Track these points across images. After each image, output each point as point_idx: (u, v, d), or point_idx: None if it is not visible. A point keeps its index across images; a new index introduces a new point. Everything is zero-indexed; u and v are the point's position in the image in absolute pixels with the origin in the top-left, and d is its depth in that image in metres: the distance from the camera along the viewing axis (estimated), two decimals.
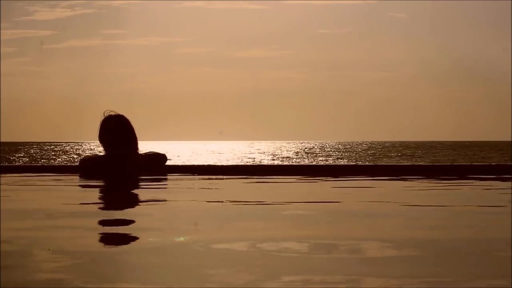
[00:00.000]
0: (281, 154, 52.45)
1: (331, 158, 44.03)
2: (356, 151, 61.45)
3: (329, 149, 72.84)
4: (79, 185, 5.78)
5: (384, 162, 38.13)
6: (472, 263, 2.17)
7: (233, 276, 1.95)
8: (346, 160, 41.41)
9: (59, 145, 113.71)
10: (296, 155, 51.54)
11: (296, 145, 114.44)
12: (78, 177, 6.26)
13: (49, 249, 2.39)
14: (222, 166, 7.04)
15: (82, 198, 4.74)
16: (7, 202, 4.24)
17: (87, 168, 6.38)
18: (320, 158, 44.49)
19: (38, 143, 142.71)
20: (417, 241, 2.60)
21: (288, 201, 4.28)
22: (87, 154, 6.37)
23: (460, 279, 1.94)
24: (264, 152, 60.21)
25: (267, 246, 2.47)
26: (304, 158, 44.80)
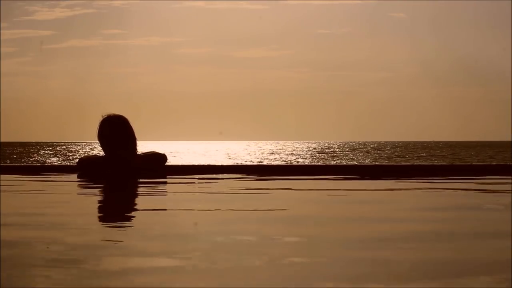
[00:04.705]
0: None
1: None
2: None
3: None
4: (77, 186, 5.78)
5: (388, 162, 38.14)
6: (469, 264, 2.16)
7: (232, 277, 1.95)
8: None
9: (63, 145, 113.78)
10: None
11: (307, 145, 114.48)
12: (76, 178, 6.25)
13: (47, 247, 2.39)
14: (222, 166, 7.03)
15: (79, 198, 4.73)
16: (5, 202, 4.24)
17: (85, 168, 6.37)
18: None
19: (38, 143, 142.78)
20: (414, 242, 2.59)
21: (288, 202, 4.27)
22: (85, 154, 6.36)
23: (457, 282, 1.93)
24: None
25: (267, 247, 2.47)
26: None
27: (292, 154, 55.40)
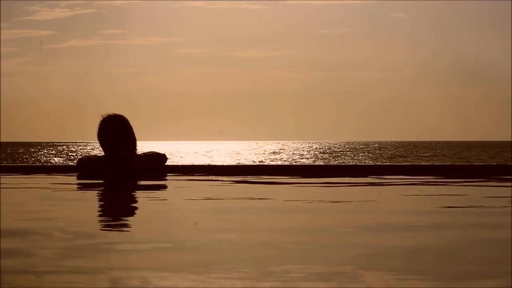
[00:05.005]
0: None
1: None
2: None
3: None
4: (76, 185, 5.79)
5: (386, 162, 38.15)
6: (468, 265, 2.16)
7: (232, 280, 1.95)
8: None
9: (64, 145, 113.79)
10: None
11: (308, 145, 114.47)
12: (76, 178, 6.25)
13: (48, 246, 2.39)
14: (222, 166, 7.02)
15: (78, 199, 4.73)
16: (5, 203, 4.24)
17: (85, 168, 6.36)
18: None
19: (38, 143, 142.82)
20: (412, 243, 2.59)
21: (287, 201, 4.27)
22: (85, 154, 6.35)
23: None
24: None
25: (267, 247, 2.47)
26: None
27: (294, 154, 55.45)
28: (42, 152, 60.34)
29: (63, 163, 36.63)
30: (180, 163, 7.55)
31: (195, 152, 57.71)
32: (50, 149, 73.53)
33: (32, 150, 70.32)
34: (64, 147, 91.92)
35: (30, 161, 40.16)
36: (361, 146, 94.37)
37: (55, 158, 45.71)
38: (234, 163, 27.29)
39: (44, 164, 28.09)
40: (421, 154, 53.35)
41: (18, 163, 36.69)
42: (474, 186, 5.49)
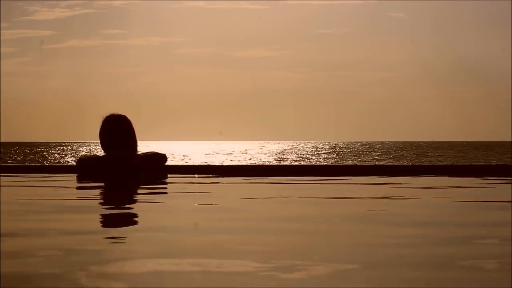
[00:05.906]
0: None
1: None
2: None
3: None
4: (76, 185, 5.78)
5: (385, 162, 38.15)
6: (466, 267, 2.16)
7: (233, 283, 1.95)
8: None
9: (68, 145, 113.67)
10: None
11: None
12: (76, 178, 6.24)
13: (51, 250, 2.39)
14: (222, 166, 7.02)
15: (78, 198, 4.72)
16: (4, 202, 4.23)
17: (85, 168, 6.35)
18: None
19: (38, 144, 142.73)
20: (411, 244, 2.58)
21: (287, 202, 4.27)
22: (85, 154, 6.35)
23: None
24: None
25: (266, 247, 2.46)
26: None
27: (298, 155, 55.46)
28: (48, 152, 60.29)
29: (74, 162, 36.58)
30: (180, 163, 7.54)
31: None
32: (56, 150, 73.49)
33: (35, 150, 70.31)
34: (69, 147, 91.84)
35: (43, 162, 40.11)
36: (365, 146, 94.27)
37: (68, 158, 45.67)
38: (234, 163, 27.27)
39: (43, 164, 28.10)
40: (432, 155, 53.21)
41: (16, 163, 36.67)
42: (472, 185, 5.49)
